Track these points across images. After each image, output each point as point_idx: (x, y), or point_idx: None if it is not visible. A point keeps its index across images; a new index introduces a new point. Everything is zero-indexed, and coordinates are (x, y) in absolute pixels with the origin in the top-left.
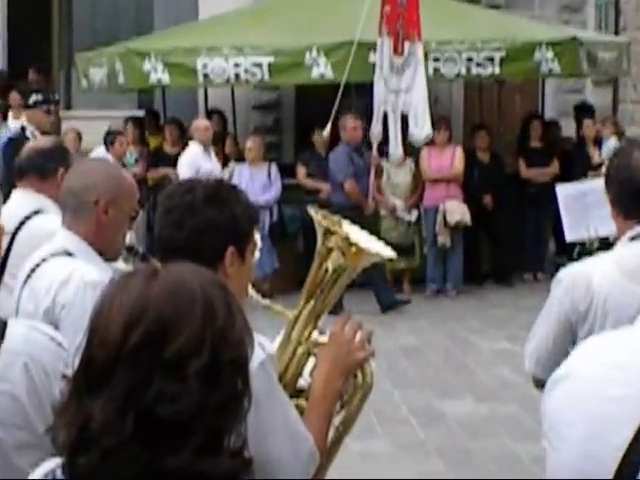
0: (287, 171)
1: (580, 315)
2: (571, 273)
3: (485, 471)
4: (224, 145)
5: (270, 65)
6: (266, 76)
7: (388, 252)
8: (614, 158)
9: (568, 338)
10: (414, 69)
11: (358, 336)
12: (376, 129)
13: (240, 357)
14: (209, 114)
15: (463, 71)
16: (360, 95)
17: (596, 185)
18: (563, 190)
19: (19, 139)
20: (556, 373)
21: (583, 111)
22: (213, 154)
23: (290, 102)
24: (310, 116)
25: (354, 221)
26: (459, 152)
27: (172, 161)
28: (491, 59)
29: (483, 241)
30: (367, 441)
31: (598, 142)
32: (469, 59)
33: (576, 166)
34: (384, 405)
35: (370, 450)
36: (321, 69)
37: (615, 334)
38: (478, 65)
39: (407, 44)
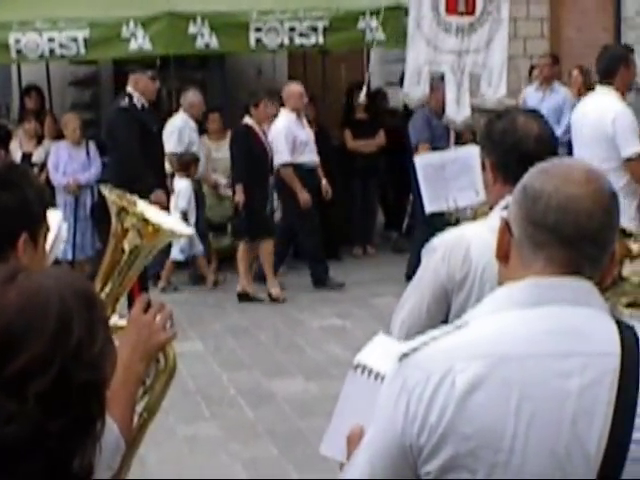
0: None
1: (456, 284)
2: (447, 241)
3: (316, 450)
4: (43, 123)
5: (86, 39)
6: (82, 50)
7: (185, 230)
8: (497, 122)
9: (442, 307)
10: (494, 27)
11: (159, 318)
12: (419, 91)
13: (96, 379)
14: (26, 91)
15: (286, 41)
16: (179, 67)
17: (455, 155)
18: (422, 160)
19: (129, 108)
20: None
21: None
22: (306, 122)
23: (108, 77)
24: None
25: None
26: None
27: None
28: (314, 29)
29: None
30: (195, 425)
31: None
32: (292, 29)
33: (404, 136)
34: (212, 387)
35: (198, 434)
36: (139, 42)
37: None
38: (301, 35)
39: (480, 2)
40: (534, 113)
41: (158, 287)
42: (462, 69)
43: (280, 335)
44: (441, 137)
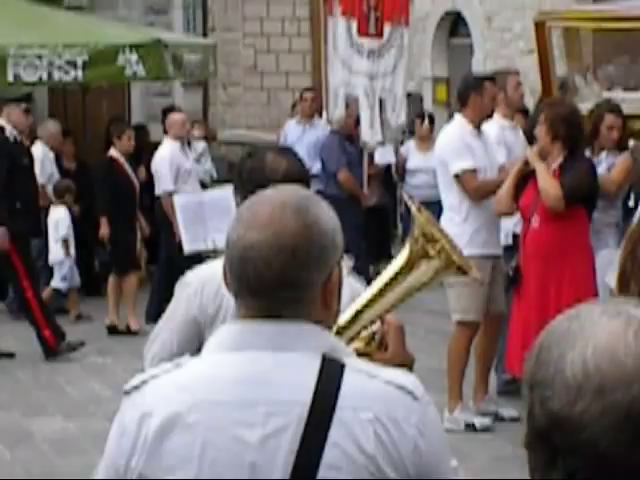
0: None
1: (209, 318)
2: (200, 275)
3: None
4: None
5: None
6: None
7: None
8: (247, 161)
9: (193, 342)
10: (398, 54)
11: None
12: (337, 112)
13: None
14: None
15: (45, 76)
16: None
17: (213, 196)
18: (181, 200)
19: None
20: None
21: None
22: (189, 151)
23: None
24: None
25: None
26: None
27: None
28: (73, 64)
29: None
30: None
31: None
32: (50, 63)
33: None
34: None
35: None
36: None
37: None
38: (60, 70)
39: (388, 27)
40: (286, 150)
41: (71, 316)
42: (374, 92)
43: (40, 373)
44: (356, 162)
